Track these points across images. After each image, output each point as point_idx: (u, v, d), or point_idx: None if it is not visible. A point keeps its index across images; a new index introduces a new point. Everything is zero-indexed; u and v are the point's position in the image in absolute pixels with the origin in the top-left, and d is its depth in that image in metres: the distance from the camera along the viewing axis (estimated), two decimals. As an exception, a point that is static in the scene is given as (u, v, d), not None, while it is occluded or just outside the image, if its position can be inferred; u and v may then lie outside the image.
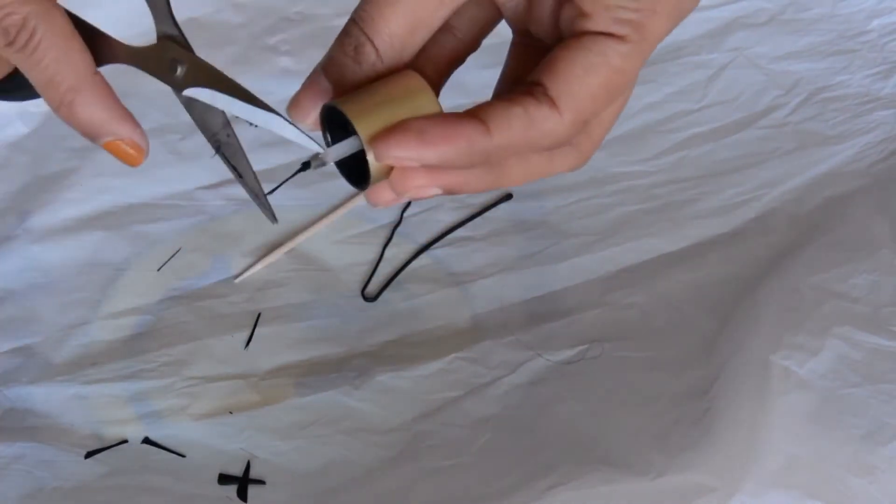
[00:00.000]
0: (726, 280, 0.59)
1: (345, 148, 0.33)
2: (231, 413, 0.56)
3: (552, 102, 0.32)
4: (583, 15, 0.33)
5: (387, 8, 0.33)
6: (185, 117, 0.40)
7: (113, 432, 0.55)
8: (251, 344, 0.60)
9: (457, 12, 0.35)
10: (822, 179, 0.65)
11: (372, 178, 0.33)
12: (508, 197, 0.66)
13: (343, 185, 0.67)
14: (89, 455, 0.54)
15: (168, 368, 0.58)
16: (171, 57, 0.37)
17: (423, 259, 0.64)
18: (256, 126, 0.35)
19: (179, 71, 0.37)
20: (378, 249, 0.64)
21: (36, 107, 0.69)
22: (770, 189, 0.65)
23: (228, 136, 0.40)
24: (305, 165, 0.34)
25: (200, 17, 0.75)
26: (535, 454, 0.51)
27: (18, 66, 0.36)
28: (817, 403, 0.47)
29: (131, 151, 0.38)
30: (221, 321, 0.61)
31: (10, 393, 0.56)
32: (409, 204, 0.66)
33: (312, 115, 0.34)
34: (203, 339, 0.59)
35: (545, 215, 0.66)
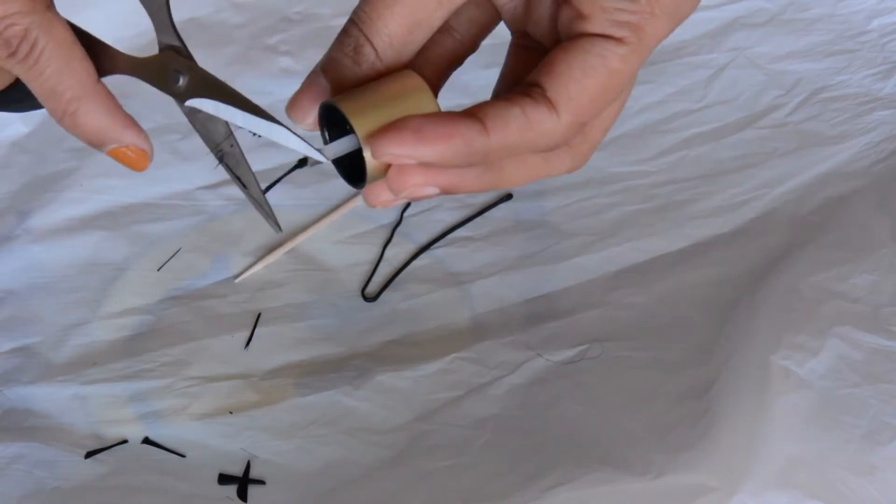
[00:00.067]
0: (726, 280, 0.59)
1: (342, 146, 0.33)
2: (231, 413, 0.56)
3: (550, 104, 0.32)
4: (581, 17, 0.33)
5: (386, 9, 0.33)
6: (185, 118, 0.40)
7: (113, 432, 0.55)
8: (251, 344, 0.60)
9: (456, 13, 0.35)
10: (822, 179, 0.65)
11: (368, 177, 0.33)
12: (508, 197, 0.66)
13: (343, 186, 0.67)
14: (89, 455, 0.54)
15: (168, 368, 0.58)
16: (173, 68, 0.37)
17: (423, 259, 0.64)
18: (260, 136, 0.35)
19: (182, 82, 0.37)
20: (378, 249, 0.64)
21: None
22: (770, 189, 0.65)
23: (231, 146, 0.40)
24: (303, 162, 0.34)
25: (200, 17, 0.75)
26: (535, 454, 0.51)
27: (21, 77, 0.36)
28: (817, 403, 0.47)
29: (135, 157, 0.38)
30: (221, 321, 0.61)
31: (10, 393, 0.56)
32: (408, 204, 0.66)
33: (311, 116, 0.34)
34: (203, 339, 0.59)
35: (545, 215, 0.66)
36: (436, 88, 0.37)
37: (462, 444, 0.53)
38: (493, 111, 0.32)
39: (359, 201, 0.66)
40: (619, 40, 0.33)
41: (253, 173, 0.41)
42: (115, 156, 0.38)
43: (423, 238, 0.65)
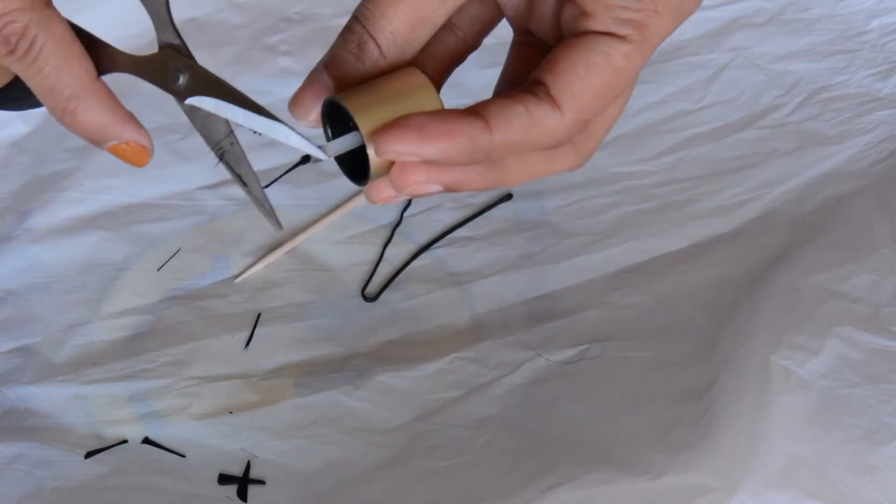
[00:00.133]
0: (726, 280, 0.59)
1: (345, 143, 0.33)
2: (231, 413, 0.56)
3: (553, 101, 0.32)
4: (584, 14, 0.33)
5: (389, 6, 0.33)
6: (185, 118, 0.40)
7: (113, 432, 0.55)
8: (251, 344, 0.60)
9: (458, 10, 0.35)
10: (822, 179, 0.65)
11: (371, 174, 0.33)
12: (508, 197, 0.66)
13: (343, 186, 0.67)
14: (89, 455, 0.54)
15: (168, 368, 0.58)
16: (173, 66, 0.37)
17: (423, 259, 0.64)
18: (260, 134, 0.35)
19: (181, 80, 0.37)
20: (378, 249, 0.64)
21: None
22: (770, 189, 0.65)
23: (232, 144, 0.40)
24: (305, 159, 0.34)
25: (200, 17, 0.75)
26: (535, 454, 0.51)
27: (20, 75, 0.36)
28: (817, 403, 0.47)
29: (136, 153, 0.38)
30: (221, 321, 0.61)
31: (10, 393, 0.56)
32: (409, 204, 0.66)
33: (314, 113, 0.34)
34: (203, 339, 0.59)
35: (545, 215, 0.66)
36: (438, 85, 0.37)
37: (462, 444, 0.53)
38: (496, 109, 0.32)
39: (359, 201, 0.66)
40: (622, 38, 0.33)
41: (253, 172, 0.41)
42: (116, 152, 0.38)
43: (423, 238, 0.65)
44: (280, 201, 0.66)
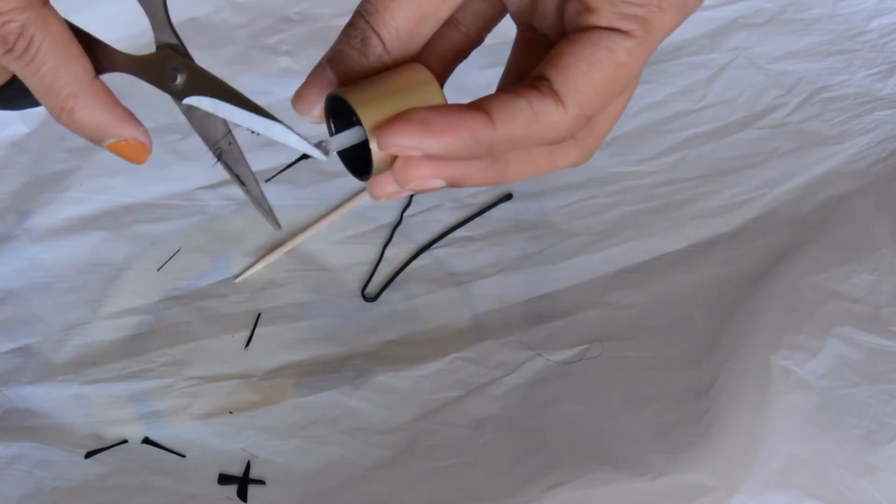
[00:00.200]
0: (726, 280, 0.59)
1: (348, 137, 0.33)
2: (231, 413, 0.56)
3: (556, 96, 0.32)
4: (588, 10, 0.33)
5: (393, 1, 0.33)
6: (185, 118, 0.40)
7: (113, 432, 0.55)
8: (251, 344, 0.60)
9: (462, 6, 0.35)
10: (822, 179, 0.65)
11: (374, 168, 0.33)
12: (509, 197, 0.66)
13: (343, 186, 0.67)
14: (89, 455, 0.54)
15: (168, 368, 0.58)
16: (171, 66, 0.37)
17: (423, 259, 0.64)
18: (258, 134, 0.35)
19: (179, 80, 0.37)
20: (378, 249, 0.64)
21: (37, 108, 0.68)
22: (770, 189, 0.65)
23: (230, 143, 0.40)
24: (307, 154, 0.34)
25: (200, 17, 0.75)
26: (535, 454, 0.51)
27: (17, 74, 0.36)
28: (817, 403, 0.47)
29: (135, 150, 0.38)
30: (221, 321, 0.61)
31: (10, 393, 0.56)
32: (409, 204, 0.66)
33: (317, 108, 0.34)
34: (203, 339, 0.59)
35: (545, 215, 0.66)
36: (442, 81, 0.37)
37: (462, 444, 0.53)
38: (499, 104, 0.32)
39: (359, 201, 0.66)
40: (626, 33, 0.33)
41: (251, 171, 0.41)
42: (115, 150, 0.38)
43: (423, 238, 0.65)
44: (280, 201, 0.66)
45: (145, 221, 0.65)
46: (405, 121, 0.31)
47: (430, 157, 0.32)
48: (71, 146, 0.68)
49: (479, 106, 0.32)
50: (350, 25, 0.34)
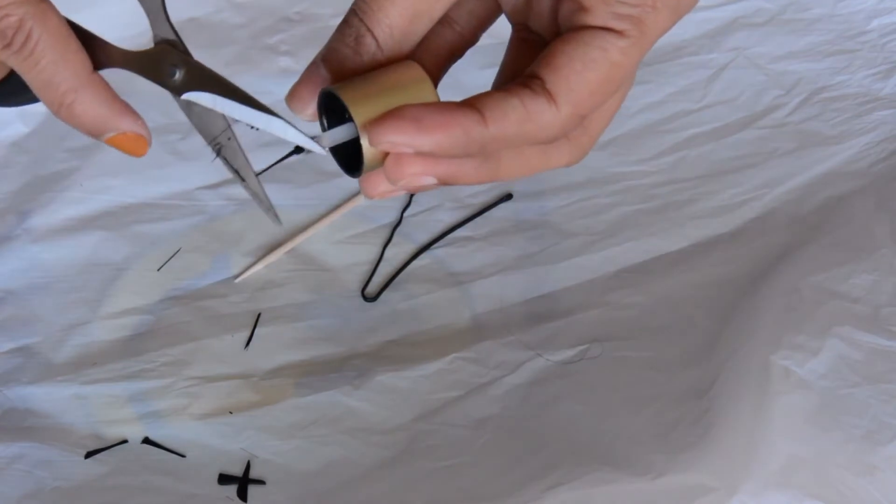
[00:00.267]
0: (726, 280, 0.59)
1: (340, 133, 0.33)
2: (231, 413, 0.56)
3: (549, 95, 0.32)
4: (582, 9, 0.33)
5: (387, 0, 0.33)
6: (185, 117, 0.40)
7: (113, 432, 0.55)
8: (251, 344, 0.60)
9: (456, 5, 0.35)
10: (822, 179, 0.65)
11: (365, 165, 0.33)
12: (508, 197, 0.66)
13: (343, 186, 0.67)
14: (89, 455, 0.54)
15: (168, 368, 0.58)
16: (169, 61, 0.37)
17: (423, 259, 0.64)
18: (257, 129, 0.35)
19: (177, 75, 0.37)
20: (378, 249, 0.64)
21: (36, 107, 0.68)
22: (770, 189, 0.65)
23: (229, 139, 0.40)
24: (300, 148, 0.34)
25: (200, 17, 0.75)
26: (535, 454, 0.51)
27: (16, 69, 0.36)
28: (817, 403, 0.47)
29: (135, 143, 0.38)
30: (221, 321, 0.61)
31: (10, 393, 0.56)
32: (409, 204, 0.66)
33: (311, 106, 0.34)
34: (203, 339, 0.59)
35: (545, 215, 0.66)
36: (436, 80, 0.37)
37: (462, 444, 0.53)
38: (491, 102, 0.32)
39: (359, 201, 0.66)
40: (620, 33, 0.33)
41: (251, 166, 0.40)
42: (114, 143, 0.38)
43: (423, 238, 0.65)
44: (280, 201, 0.66)
45: (145, 221, 0.65)
46: (397, 117, 0.31)
47: (422, 155, 0.32)
48: (71, 146, 0.68)
49: (472, 104, 0.32)
50: (344, 23, 0.34)
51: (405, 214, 0.66)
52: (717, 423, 0.48)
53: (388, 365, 0.58)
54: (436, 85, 0.35)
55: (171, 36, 0.38)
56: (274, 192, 0.66)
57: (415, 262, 0.64)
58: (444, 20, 0.36)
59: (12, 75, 0.38)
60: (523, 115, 0.32)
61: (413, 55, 0.35)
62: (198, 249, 0.64)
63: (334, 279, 0.63)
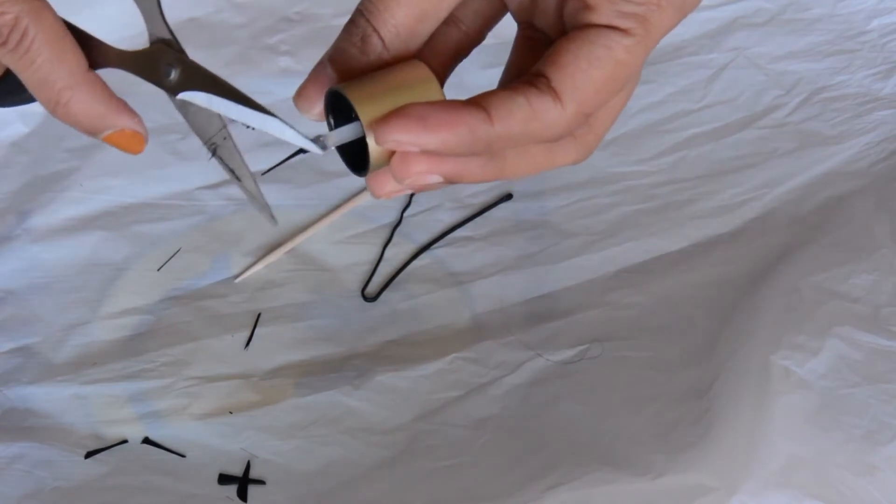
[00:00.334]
0: (726, 280, 0.59)
1: (346, 133, 0.33)
2: (231, 413, 0.56)
3: (555, 94, 0.32)
4: (587, 8, 0.33)
5: (392, 0, 0.33)
6: (180, 114, 0.39)
7: (113, 432, 0.55)
8: (251, 344, 0.60)
9: (462, 4, 0.35)
10: (822, 179, 0.65)
11: (371, 163, 0.33)
12: (508, 197, 0.66)
13: (343, 186, 0.67)
14: (89, 455, 0.54)
15: (168, 368, 0.58)
16: (164, 61, 0.37)
17: (423, 259, 0.64)
18: (253, 128, 0.35)
19: (173, 75, 0.37)
20: (378, 249, 0.64)
21: (36, 107, 0.68)
22: (770, 189, 0.65)
23: (225, 138, 0.40)
24: (303, 149, 0.34)
25: (200, 17, 0.75)
26: (535, 454, 0.51)
27: (11, 67, 0.36)
28: (817, 403, 0.47)
29: (132, 141, 0.38)
30: (221, 321, 0.61)
31: (10, 393, 0.56)
32: (409, 204, 0.66)
33: (318, 106, 0.34)
34: (203, 339, 0.59)
35: (545, 215, 0.66)
36: (442, 79, 0.37)
37: (462, 444, 0.53)
38: (497, 100, 0.32)
39: (359, 201, 0.66)
40: (625, 31, 0.33)
41: (247, 166, 0.40)
42: (111, 141, 0.37)
43: (423, 238, 0.65)
44: (280, 201, 0.66)
45: (145, 221, 0.65)
46: (403, 116, 0.31)
47: (428, 153, 0.32)
48: (71, 146, 0.68)
49: (478, 102, 0.32)
50: (350, 23, 0.34)
51: (405, 214, 0.66)
52: (717, 423, 0.48)
53: (388, 365, 0.58)
54: (442, 84, 0.35)
55: (167, 35, 0.38)
56: (274, 192, 0.66)
57: (415, 262, 0.64)
58: (450, 20, 0.36)
59: (8, 75, 0.38)
60: (529, 113, 0.32)
61: (419, 55, 0.35)
62: (198, 249, 0.64)
63: (334, 279, 0.63)
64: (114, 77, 0.38)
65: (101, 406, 0.56)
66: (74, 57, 0.36)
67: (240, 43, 0.75)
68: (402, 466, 0.53)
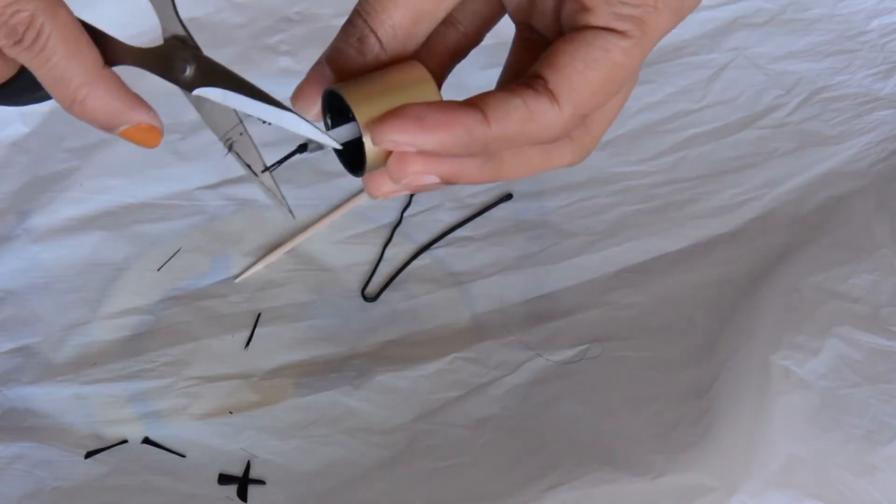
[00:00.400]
0: (726, 280, 0.59)
1: (344, 132, 0.33)
2: (231, 413, 0.56)
3: (552, 95, 0.32)
4: (584, 10, 0.33)
5: (390, 1, 0.33)
6: (186, 117, 0.40)
7: (113, 432, 0.55)
8: (251, 344, 0.60)
9: (460, 5, 0.35)
10: (822, 179, 0.65)
11: (368, 164, 0.33)
12: (508, 197, 0.66)
13: (343, 186, 0.67)
14: (89, 455, 0.54)
15: (168, 368, 0.58)
16: (180, 57, 0.37)
17: (423, 259, 0.64)
18: (269, 123, 0.35)
19: (188, 71, 0.37)
20: (378, 249, 0.64)
21: (36, 107, 0.68)
22: (770, 189, 0.65)
23: (241, 134, 0.40)
24: (302, 148, 0.34)
25: (200, 17, 0.75)
26: (535, 454, 0.51)
27: (27, 66, 0.36)
28: (817, 403, 0.47)
29: (148, 135, 0.38)
30: (221, 321, 0.61)
31: (10, 393, 0.56)
32: (409, 204, 0.66)
33: (316, 106, 0.34)
34: (203, 339, 0.59)
35: (545, 215, 0.66)
36: (440, 80, 0.37)
37: (462, 444, 0.53)
38: (494, 101, 0.32)
39: (359, 201, 0.66)
40: (622, 33, 0.33)
41: (263, 161, 0.40)
42: (128, 136, 0.37)
43: (423, 238, 0.65)
44: (280, 201, 0.66)
45: (145, 221, 0.65)
46: (399, 116, 0.31)
47: (424, 154, 0.32)
48: (71, 146, 0.68)
49: (474, 103, 0.32)
50: (348, 24, 0.34)
51: (405, 214, 0.66)
52: (717, 423, 0.48)
53: (388, 365, 0.58)
54: (440, 85, 0.35)
55: (181, 31, 0.37)
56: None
57: (415, 262, 0.64)
58: (448, 20, 0.36)
59: (21, 74, 0.38)
60: (526, 114, 0.32)
61: (417, 55, 0.35)
62: (198, 249, 0.64)
63: (334, 279, 0.63)
64: (120, 73, 0.38)
65: (101, 406, 0.56)
66: (90, 54, 0.36)
67: (240, 43, 0.75)
68: (402, 466, 0.53)
